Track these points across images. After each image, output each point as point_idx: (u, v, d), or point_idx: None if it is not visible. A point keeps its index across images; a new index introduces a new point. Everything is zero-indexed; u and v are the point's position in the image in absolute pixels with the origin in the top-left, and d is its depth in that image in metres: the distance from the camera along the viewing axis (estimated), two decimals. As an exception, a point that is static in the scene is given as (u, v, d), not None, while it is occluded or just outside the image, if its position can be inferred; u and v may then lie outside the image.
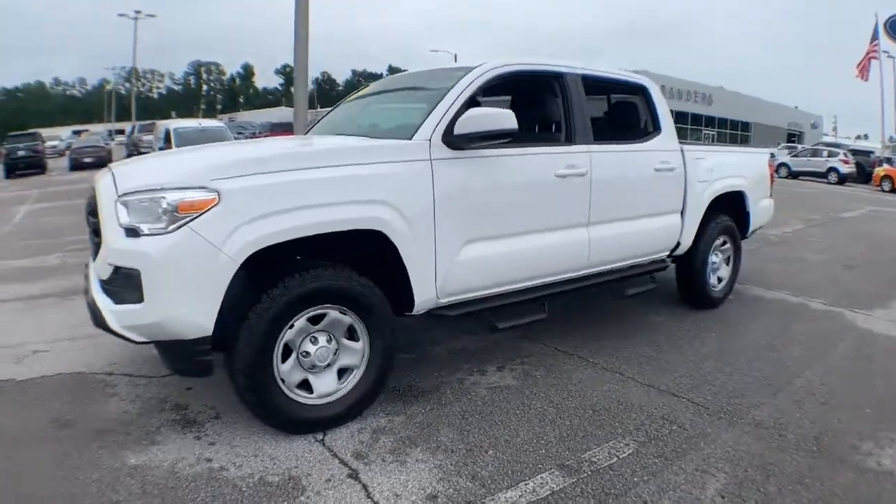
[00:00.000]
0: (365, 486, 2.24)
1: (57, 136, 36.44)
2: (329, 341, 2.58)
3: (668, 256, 4.30)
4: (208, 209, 2.23)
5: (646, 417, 2.80)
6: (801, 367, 3.50)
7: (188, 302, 2.24)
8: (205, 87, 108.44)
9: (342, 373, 2.66)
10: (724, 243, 4.69)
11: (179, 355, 2.41)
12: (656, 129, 4.06)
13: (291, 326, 2.45)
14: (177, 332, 2.29)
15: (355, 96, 4.23)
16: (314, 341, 2.54)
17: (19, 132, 24.38)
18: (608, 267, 3.74)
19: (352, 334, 2.64)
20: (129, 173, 2.52)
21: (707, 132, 41.82)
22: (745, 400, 3.02)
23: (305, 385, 2.57)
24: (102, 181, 2.53)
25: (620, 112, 4.36)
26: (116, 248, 2.30)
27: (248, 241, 2.26)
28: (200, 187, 2.25)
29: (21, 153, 21.16)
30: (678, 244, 4.23)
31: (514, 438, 2.59)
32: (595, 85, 3.96)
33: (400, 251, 2.62)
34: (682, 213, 4.18)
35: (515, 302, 3.21)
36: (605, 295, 4.79)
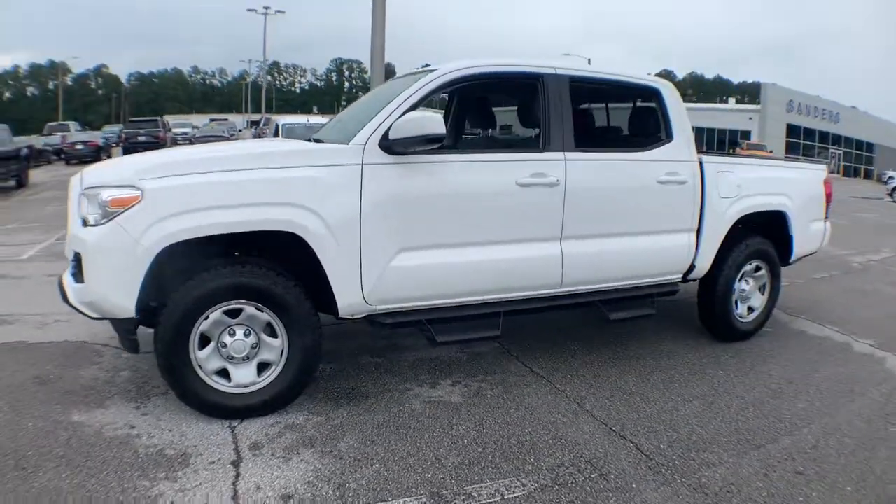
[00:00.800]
0: (238, 475, 2.34)
1: (190, 123, 37.80)
2: (247, 335, 2.70)
3: (684, 280, 3.85)
4: (132, 205, 2.45)
5: (570, 458, 2.55)
6: (801, 422, 2.94)
7: (113, 285, 2.50)
8: (346, 84, 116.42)
9: (264, 367, 2.77)
10: (757, 269, 4.09)
11: (118, 332, 2.70)
12: (667, 136, 3.62)
13: (207, 317, 2.61)
14: (108, 311, 2.56)
15: (357, 101, 4.32)
16: (232, 334, 2.68)
17: (141, 118, 26.70)
18: (594, 287, 3.44)
19: (273, 331, 2.74)
20: (93, 171, 2.83)
21: (834, 150, 39.09)
22: (704, 455, 2.61)
23: (226, 374, 2.72)
24: (75, 178, 2.88)
25: (624, 118, 3.97)
26: (73, 235, 2.62)
27: (163, 235, 2.45)
28: (129, 186, 2.48)
29: (141, 138, 22.71)
30: (693, 267, 3.76)
31: (410, 457, 2.50)
32: (594, 88, 3.65)
33: (318, 254, 2.65)
34: (697, 231, 3.70)
35: (466, 316, 3.08)
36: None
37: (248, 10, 41.19)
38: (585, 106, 4.13)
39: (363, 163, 2.73)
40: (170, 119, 30.72)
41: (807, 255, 4.52)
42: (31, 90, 78.34)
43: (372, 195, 2.71)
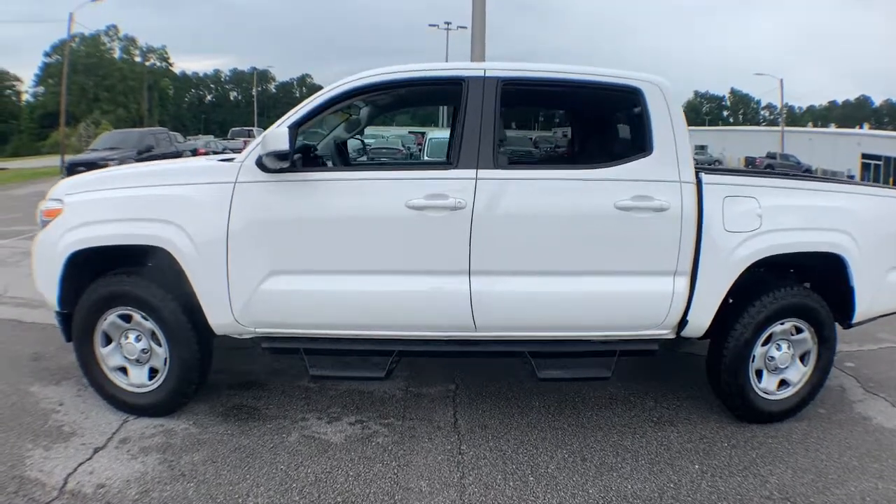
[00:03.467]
0: (89, 458, 2.62)
1: (380, 135, 39.01)
2: (138, 340, 2.92)
3: (678, 337, 3.04)
4: (57, 216, 2.88)
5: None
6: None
7: (43, 282, 2.95)
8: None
9: (155, 372, 2.97)
10: (797, 331, 3.07)
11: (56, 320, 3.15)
12: (645, 149, 2.89)
13: (105, 319, 2.91)
14: (48, 304, 3.02)
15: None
16: (126, 336, 2.94)
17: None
18: (523, 335, 2.92)
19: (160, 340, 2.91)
20: (56, 185, 3.29)
21: None
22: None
23: (127, 372, 2.99)
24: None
25: (580, 126, 3.27)
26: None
27: (68, 244, 2.81)
28: (58, 199, 2.92)
29: None
30: (685, 322, 2.95)
31: (229, 485, 2.46)
32: (551, 92, 3.12)
33: (185, 269, 2.74)
34: (691, 274, 2.88)
35: (351, 351, 2.89)
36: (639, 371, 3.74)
37: (430, 25, 38.67)
38: (544, 113, 3.57)
39: (236, 181, 2.75)
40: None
41: (885, 315, 3.30)
42: (233, 94, 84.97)
43: (241, 214, 2.71)
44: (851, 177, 32.47)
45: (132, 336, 2.94)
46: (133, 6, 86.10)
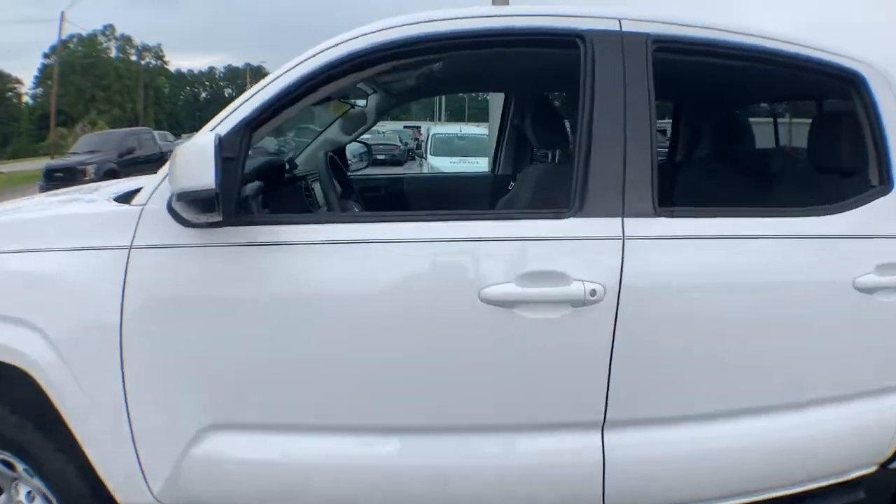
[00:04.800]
0: None
1: (376, 130, 37.55)
2: (30, 499, 1.79)
3: (883, 468, 1.92)
4: None
5: None
6: None
7: None
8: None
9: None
10: None
11: None
12: (881, 179, 1.68)
13: (-15, 465, 1.79)
14: None
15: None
16: (17, 490, 1.82)
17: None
18: None
19: None
20: None
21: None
22: None
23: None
24: None
25: (740, 129, 2.13)
26: None
27: None
28: None
29: None
30: None
31: None
32: (709, 66, 1.79)
33: (56, 403, 1.48)
34: None
35: None
36: None
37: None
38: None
39: (132, 245, 1.43)
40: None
41: None
42: (228, 91, 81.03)
43: (143, 311, 1.43)
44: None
45: (23, 491, 1.82)
46: (129, 5, 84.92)
